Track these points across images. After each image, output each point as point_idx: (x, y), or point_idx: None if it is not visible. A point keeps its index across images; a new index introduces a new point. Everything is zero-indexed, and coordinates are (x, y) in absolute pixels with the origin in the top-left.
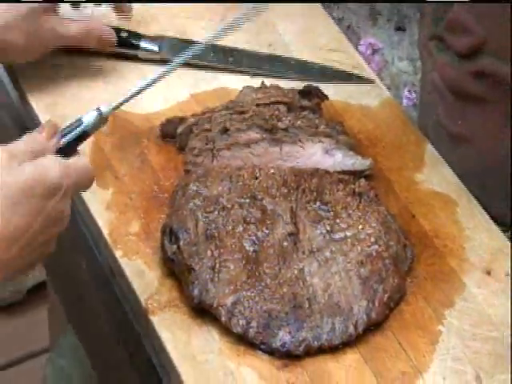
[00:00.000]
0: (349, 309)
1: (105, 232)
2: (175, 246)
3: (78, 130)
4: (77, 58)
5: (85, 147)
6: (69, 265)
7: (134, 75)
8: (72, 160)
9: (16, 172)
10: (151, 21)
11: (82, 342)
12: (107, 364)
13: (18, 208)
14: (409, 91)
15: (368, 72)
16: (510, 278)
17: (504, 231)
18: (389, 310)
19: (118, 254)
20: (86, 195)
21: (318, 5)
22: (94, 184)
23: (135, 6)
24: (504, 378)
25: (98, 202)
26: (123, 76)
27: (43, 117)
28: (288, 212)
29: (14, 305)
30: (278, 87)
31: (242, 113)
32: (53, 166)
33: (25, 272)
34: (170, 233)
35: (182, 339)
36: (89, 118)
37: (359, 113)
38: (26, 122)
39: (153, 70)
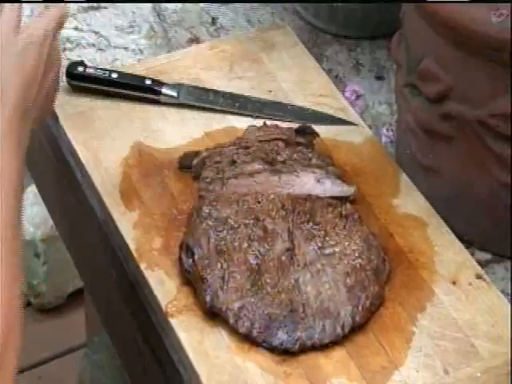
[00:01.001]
0: (337, 313)
1: (132, 248)
2: (191, 260)
3: None
4: (110, 101)
5: (114, 177)
6: (102, 275)
7: (156, 116)
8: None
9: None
10: (171, 71)
11: (113, 340)
12: (134, 359)
13: (26, 57)
14: (387, 130)
15: (352, 114)
16: (472, 287)
17: (467, 247)
18: (370, 314)
19: (142, 266)
20: (116, 216)
21: (311, 58)
22: (123, 206)
23: (157, 58)
24: (467, 371)
25: (126, 222)
26: (147, 117)
27: (80, 148)
28: (285, 231)
29: (57, 308)
30: (277, 126)
31: (247, 148)
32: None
33: (43, 117)
34: (186, 248)
35: (196, 338)
36: None
37: (345, 148)
38: (65, 155)
39: (172, 112)
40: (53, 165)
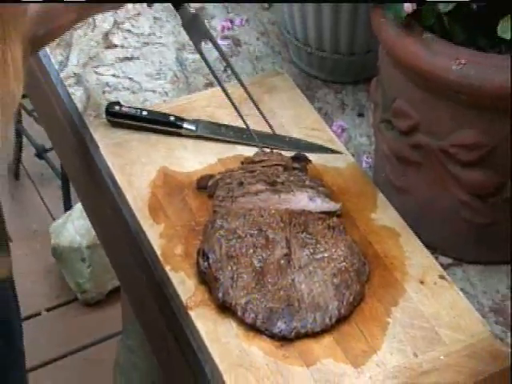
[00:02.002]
0: (326, 306)
1: (158, 253)
2: (206, 263)
3: None
4: (140, 134)
5: (144, 196)
6: (134, 276)
7: (178, 146)
8: None
9: None
10: (190, 109)
11: (143, 329)
12: (160, 344)
13: None
14: (366, 157)
15: (338, 145)
16: (436, 286)
17: (432, 253)
18: (353, 308)
19: (167, 268)
20: (146, 228)
21: (305, 98)
22: (151, 220)
23: (179, 99)
24: (432, 354)
25: (153, 232)
26: (171, 147)
27: (116, 172)
28: (284, 240)
29: (99, 302)
30: (277, 154)
31: (252, 172)
32: None
33: None
34: (202, 254)
35: (210, 327)
36: None
37: (333, 172)
38: (104, 177)
39: (191, 143)
40: (94, 186)
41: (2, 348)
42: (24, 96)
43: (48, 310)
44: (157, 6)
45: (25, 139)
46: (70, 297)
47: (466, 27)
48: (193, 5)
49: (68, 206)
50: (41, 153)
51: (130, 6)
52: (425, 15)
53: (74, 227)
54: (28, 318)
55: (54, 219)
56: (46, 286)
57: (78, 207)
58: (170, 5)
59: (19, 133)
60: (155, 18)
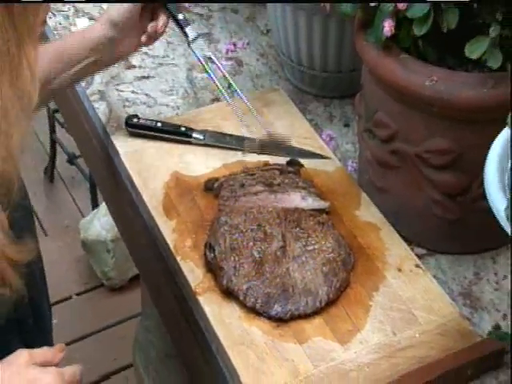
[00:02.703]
0: (316, 292)
1: (171, 246)
2: (212, 254)
3: None
4: (155, 142)
5: (158, 196)
6: (150, 265)
7: (188, 153)
8: (65, 368)
9: (24, 371)
10: (199, 121)
11: (159, 312)
12: (173, 324)
13: None
14: (352, 162)
15: (327, 151)
16: (412, 273)
17: (408, 244)
18: (340, 293)
19: (178, 258)
20: (160, 224)
21: (298, 111)
22: (165, 217)
23: (189, 112)
24: (409, 333)
25: (167, 227)
26: (182, 153)
27: (134, 175)
28: (280, 234)
29: (122, 288)
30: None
31: (252, 175)
32: (47, 377)
33: None
34: (209, 246)
35: (216, 310)
36: None
37: (322, 175)
38: (124, 180)
39: (199, 150)
40: (116, 188)
41: (31, 326)
42: (57, 111)
43: (78, 294)
44: (169, 31)
45: (58, 147)
46: (96, 283)
47: (437, 49)
48: (199, 28)
49: (95, 205)
50: (72, 159)
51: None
52: (402, 38)
53: (100, 223)
54: (61, 301)
55: (83, 216)
56: (76, 274)
57: (103, 206)
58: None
59: (53, 142)
60: (168, 42)
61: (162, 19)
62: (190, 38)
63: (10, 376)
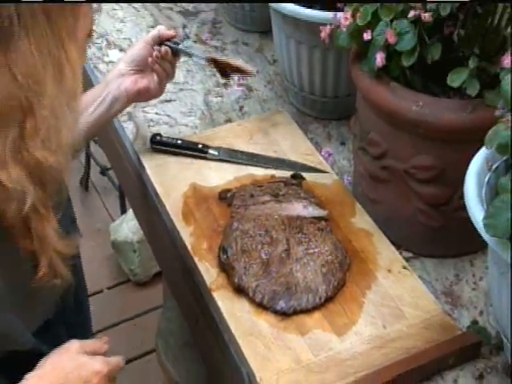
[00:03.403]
0: (316, 289)
1: (189, 248)
2: (225, 256)
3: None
4: (176, 157)
5: (178, 204)
6: (171, 264)
7: (204, 167)
8: (111, 358)
9: (75, 357)
10: (214, 139)
11: (179, 305)
12: (191, 316)
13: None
14: (347, 176)
15: (326, 166)
16: (400, 274)
17: (397, 249)
18: (337, 291)
19: (195, 259)
20: (179, 228)
21: (300, 131)
22: (184, 223)
23: (205, 131)
24: (397, 327)
25: (185, 232)
26: (199, 167)
27: (158, 186)
28: (284, 238)
29: (146, 283)
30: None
31: (261, 186)
32: (95, 364)
33: None
34: (222, 249)
35: (228, 305)
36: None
37: (322, 187)
38: (149, 190)
39: (214, 164)
40: (142, 196)
41: (73, 313)
42: None
43: (108, 288)
44: (189, 61)
45: (92, 161)
46: (124, 279)
47: (423, 78)
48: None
49: (123, 211)
50: (104, 171)
51: None
52: (391, 69)
53: (128, 227)
54: (93, 294)
55: (112, 220)
56: (107, 271)
57: (131, 212)
58: (199, 60)
59: (88, 156)
60: (188, 70)
61: (163, 48)
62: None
63: (64, 361)
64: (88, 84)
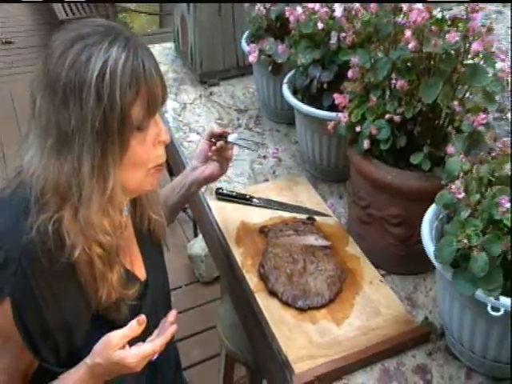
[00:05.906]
0: (323, 294)
1: (239, 263)
2: (263, 270)
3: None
4: (232, 204)
5: (232, 233)
6: (226, 273)
7: (251, 211)
8: (145, 346)
9: (113, 354)
10: (257, 192)
11: (232, 300)
12: (241, 309)
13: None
14: (344, 219)
15: (330, 212)
16: (379, 285)
17: (376, 267)
18: (336, 295)
19: (244, 271)
20: (233, 250)
21: (313, 189)
22: (236, 246)
23: (250, 187)
24: (376, 321)
25: (237, 252)
26: (247, 211)
27: (219, 221)
28: (302, 259)
29: (210, 282)
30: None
31: (287, 224)
32: (129, 357)
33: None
34: (261, 265)
35: (265, 303)
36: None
37: (327, 226)
38: (212, 223)
39: (257, 209)
40: (208, 227)
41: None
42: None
43: (186, 285)
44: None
45: None
46: (195, 279)
47: (394, 157)
48: (257, 140)
49: (195, 235)
50: (184, 209)
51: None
52: (374, 151)
53: (198, 245)
54: (174, 289)
55: (188, 241)
56: (184, 274)
57: (200, 236)
58: (243, 145)
59: None
60: (240, 148)
61: (218, 143)
62: (230, 139)
63: (102, 362)
64: (176, 154)
